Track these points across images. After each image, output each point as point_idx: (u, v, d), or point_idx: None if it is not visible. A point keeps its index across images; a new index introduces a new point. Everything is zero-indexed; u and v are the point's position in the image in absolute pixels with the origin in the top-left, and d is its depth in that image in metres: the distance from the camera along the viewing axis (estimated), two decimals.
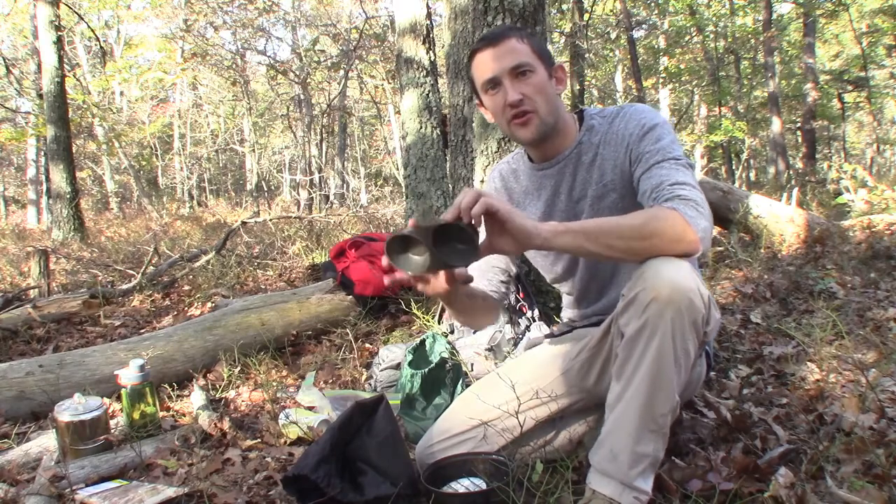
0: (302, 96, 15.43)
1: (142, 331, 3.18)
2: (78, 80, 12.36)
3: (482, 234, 1.14)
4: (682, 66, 15.46)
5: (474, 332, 2.32)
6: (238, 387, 2.35)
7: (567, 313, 1.66)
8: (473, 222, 1.08)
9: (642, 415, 1.17)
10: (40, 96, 9.28)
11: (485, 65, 1.36)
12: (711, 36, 14.97)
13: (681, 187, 1.22)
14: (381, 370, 2.28)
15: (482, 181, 2.49)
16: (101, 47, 13.21)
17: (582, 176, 1.43)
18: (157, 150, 16.80)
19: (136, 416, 1.90)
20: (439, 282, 1.24)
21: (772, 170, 12.93)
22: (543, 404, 1.50)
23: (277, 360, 2.58)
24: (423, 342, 2.20)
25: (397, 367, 2.25)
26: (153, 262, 4.45)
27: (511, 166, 1.59)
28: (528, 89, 1.34)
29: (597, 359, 1.41)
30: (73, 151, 8.58)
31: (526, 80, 1.34)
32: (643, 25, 16.39)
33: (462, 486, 1.40)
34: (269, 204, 14.05)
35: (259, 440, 1.86)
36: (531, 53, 1.35)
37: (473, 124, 2.83)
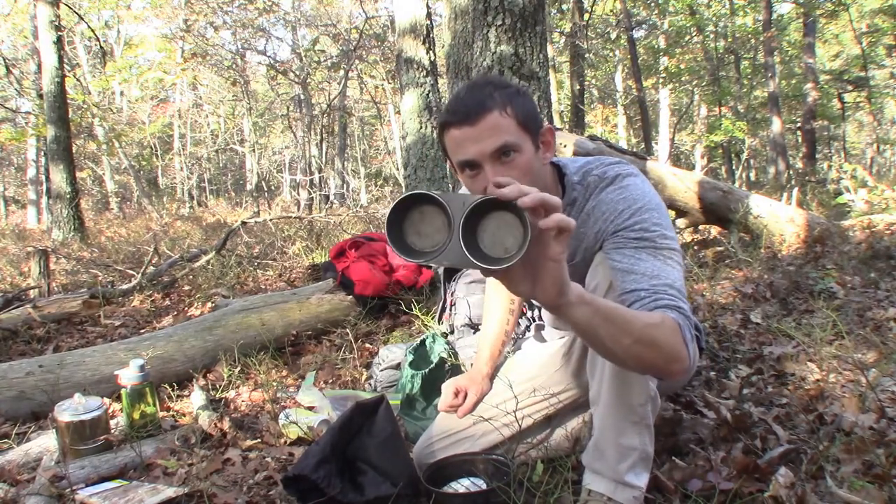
0: (302, 96, 15.44)
1: (142, 331, 3.18)
2: (78, 80, 12.37)
3: None
4: (682, 66, 15.46)
5: (474, 332, 2.32)
6: (238, 387, 2.35)
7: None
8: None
9: (620, 408, 1.19)
10: (40, 96, 9.28)
11: (461, 145, 1.13)
12: (711, 36, 14.98)
13: (680, 296, 1.08)
14: (381, 370, 2.28)
15: None
16: (101, 47, 13.21)
17: None
18: (157, 150, 16.80)
19: (136, 416, 1.90)
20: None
21: (772, 170, 12.93)
22: (540, 401, 1.50)
23: (277, 360, 2.58)
24: (423, 342, 2.20)
25: (397, 367, 2.25)
26: (153, 262, 4.45)
27: None
28: (514, 173, 1.12)
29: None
30: (73, 151, 8.58)
31: (511, 164, 1.12)
32: (643, 25, 16.40)
33: (462, 486, 1.40)
34: (269, 204, 14.05)
35: (259, 440, 1.85)
36: (516, 128, 1.12)
37: None
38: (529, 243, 0.81)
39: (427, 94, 4.04)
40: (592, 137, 4.93)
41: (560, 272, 0.88)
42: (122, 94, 15.78)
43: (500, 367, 1.68)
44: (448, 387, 1.60)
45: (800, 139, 15.61)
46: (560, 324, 1.52)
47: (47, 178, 11.90)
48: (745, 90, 14.84)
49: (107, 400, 2.10)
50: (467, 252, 0.81)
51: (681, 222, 4.80)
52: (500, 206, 0.83)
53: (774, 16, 13.88)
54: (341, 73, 14.47)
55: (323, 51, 15.33)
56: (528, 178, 1.13)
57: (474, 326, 2.35)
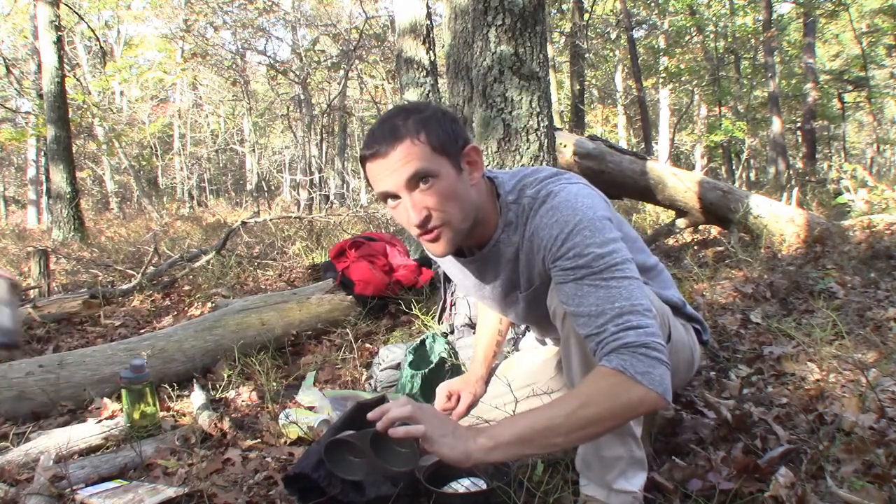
0: (302, 96, 15.45)
1: (142, 331, 3.17)
2: (78, 80, 12.37)
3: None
4: (682, 66, 15.45)
5: (475, 332, 2.32)
6: (238, 387, 2.35)
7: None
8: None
9: None
10: (40, 96, 9.29)
11: (377, 178, 1.13)
12: (711, 36, 14.97)
13: (627, 326, 1.04)
14: (381, 370, 2.28)
15: None
16: (101, 47, 13.23)
17: (507, 275, 1.29)
18: (157, 150, 16.81)
19: (136, 416, 1.90)
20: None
21: (772, 170, 12.93)
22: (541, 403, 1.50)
23: (277, 360, 2.58)
24: (422, 342, 2.21)
25: (397, 367, 2.25)
26: (153, 262, 4.45)
27: None
28: (432, 200, 1.12)
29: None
30: (73, 151, 8.59)
31: (428, 191, 1.11)
32: (643, 25, 16.41)
33: (462, 485, 1.40)
34: (269, 204, 14.05)
35: (259, 440, 1.85)
36: (430, 154, 1.11)
37: (474, 124, 2.83)
38: (419, 449, 1.04)
39: (427, 95, 4.04)
40: (592, 137, 4.93)
41: (447, 455, 1.01)
42: (122, 94, 15.80)
43: (497, 368, 1.68)
44: (441, 390, 1.60)
45: (800, 139, 15.61)
46: (549, 336, 1.57)
47: (47, 178, 11.90)
48: (745, 90, 14.83)
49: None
50: (386, 466, 1.05)
51: (681, 222, 4.80)
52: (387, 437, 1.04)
53: (774, 16, 13.87)
54: (341, 73, 14.47)
55: (323, 51, 15.33)
56: (451, 202, 1.13)
57: (474, 326, 2.35)
